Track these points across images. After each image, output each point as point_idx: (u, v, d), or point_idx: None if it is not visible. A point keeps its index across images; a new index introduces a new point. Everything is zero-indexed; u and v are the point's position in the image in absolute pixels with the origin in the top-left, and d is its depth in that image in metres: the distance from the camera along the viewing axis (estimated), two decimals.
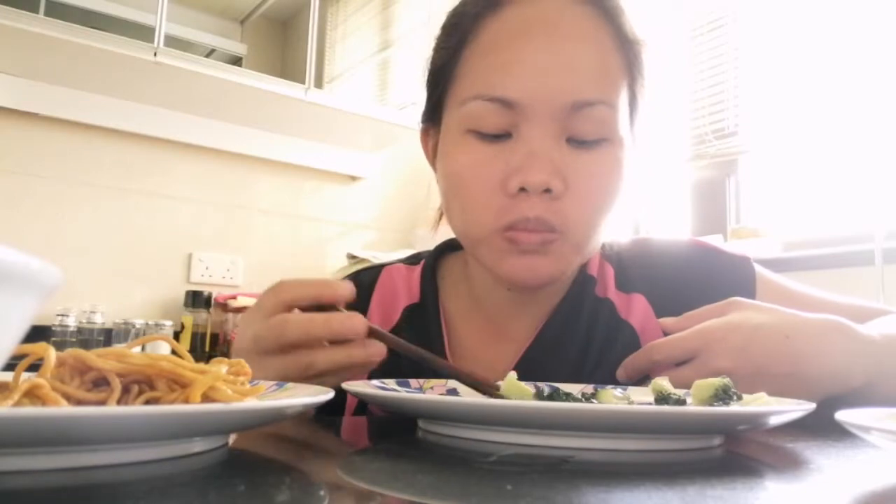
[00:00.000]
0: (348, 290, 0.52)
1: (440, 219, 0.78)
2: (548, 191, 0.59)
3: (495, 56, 0.61)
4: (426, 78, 0.70)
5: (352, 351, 0.50)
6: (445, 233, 0.77)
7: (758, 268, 0.73)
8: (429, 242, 0.81)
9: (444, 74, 0.66)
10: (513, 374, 0.50)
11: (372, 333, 0.51)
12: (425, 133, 0.72)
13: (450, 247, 0.79)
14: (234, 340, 0.55)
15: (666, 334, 0.60)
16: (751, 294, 0.68)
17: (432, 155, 0.71)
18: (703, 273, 0.72)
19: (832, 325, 0.56)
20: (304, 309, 0.52)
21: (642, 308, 0.69)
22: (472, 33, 0.63)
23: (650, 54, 0.66)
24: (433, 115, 0.69)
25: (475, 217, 0.62)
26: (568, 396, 0.49)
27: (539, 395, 0.50)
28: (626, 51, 0.64)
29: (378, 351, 0.51)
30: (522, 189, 0.59)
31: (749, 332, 0.55)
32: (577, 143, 0.60)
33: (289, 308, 0.52)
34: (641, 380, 0.60)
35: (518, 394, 0.49)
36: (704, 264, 0.73)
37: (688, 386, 0.48)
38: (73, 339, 1.92)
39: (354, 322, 0.50)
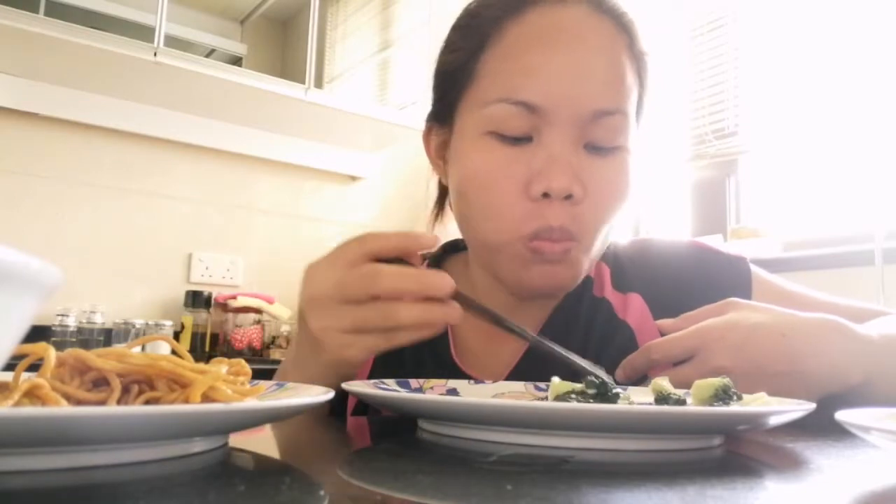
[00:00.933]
0: (431, 239, 0.54)
1: (436, 220, 0.77)
2: (569, 197, 0.59)
3: (518, 60, 0.61)
4: (435, 78, 0.70)
5: (433, 309, 0.51)
6: (441, 234, 0.77)
7: (754, 268, 0.73)
8: None
9: (459, 76, 0.66)
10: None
11: (455, 296, 0.52)
12: (428, 132, 0.72)
13: (452, 247, 0.79)
14: (303, 286, 0.54)
15: (664, 335, 0.60)
16: (747, 294, 0.68)
17: (436, 154, 0.71)
18: (700, 273, 0.72)
19: (830, 324, 0.56)
20: (387, 260, 0.53)
21: (639, 308, 0.70)
22: (493, 36, 0.63)
23: (655, 67, 0.68)
24: (442, 115, 0.69)
25: (497, 222, 0.62)
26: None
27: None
28: (638, 63, 0.65)
29: (456, 313, 0.52)
30: (545, 194, 0.59)
31: (746, 330, 0.55)
32: (593, 149, 0.62)
33: (373, 259, 0.52)
34: (640, 379, 0.60)
35: None
36: (700, 264, 0.73)
37: (687, 385, 0.48)
38: (73, 339, 1.92)
39: (444, 281, 0.51)
